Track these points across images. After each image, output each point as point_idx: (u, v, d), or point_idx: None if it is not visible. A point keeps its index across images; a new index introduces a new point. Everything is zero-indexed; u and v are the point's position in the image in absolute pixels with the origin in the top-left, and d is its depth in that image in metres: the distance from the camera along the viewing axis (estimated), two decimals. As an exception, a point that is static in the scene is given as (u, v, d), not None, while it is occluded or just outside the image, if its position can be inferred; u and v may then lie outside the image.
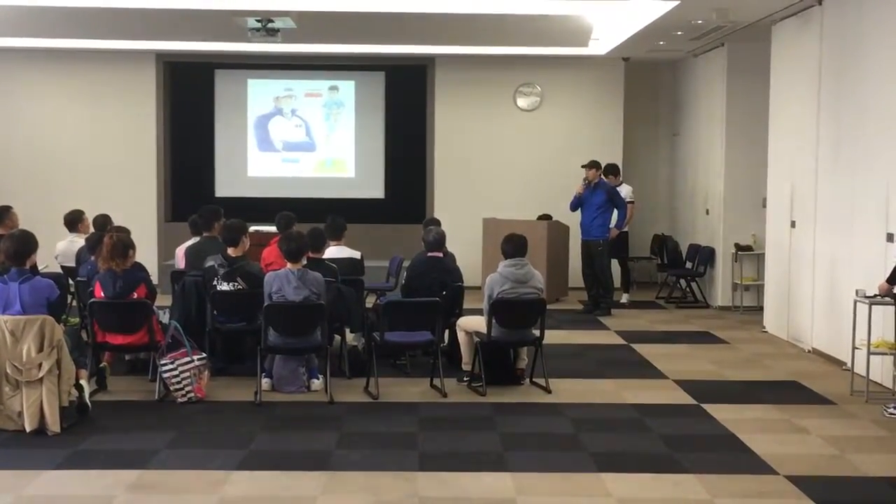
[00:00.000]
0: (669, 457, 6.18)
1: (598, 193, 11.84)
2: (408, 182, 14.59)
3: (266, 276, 7.70)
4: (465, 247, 11.70)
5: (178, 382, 7.35)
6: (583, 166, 11.94)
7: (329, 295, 7.77)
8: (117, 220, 9.47)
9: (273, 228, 9.61)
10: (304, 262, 7.71)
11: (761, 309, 11.29)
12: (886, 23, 8.16)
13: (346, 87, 14.65)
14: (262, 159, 14.66)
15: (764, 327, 10.91)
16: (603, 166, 12.22)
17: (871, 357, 7.61)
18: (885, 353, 7.56)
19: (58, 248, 9.91)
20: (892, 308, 7.15)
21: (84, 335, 7.68)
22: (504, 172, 14.18)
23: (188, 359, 7.41)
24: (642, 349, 9.75)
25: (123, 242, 7.46)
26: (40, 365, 6.48)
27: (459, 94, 14.24)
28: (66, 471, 5.83)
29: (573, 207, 12.08)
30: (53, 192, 13.45)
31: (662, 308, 12.79)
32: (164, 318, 7.98)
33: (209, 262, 8.06)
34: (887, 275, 7.14)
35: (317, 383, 7.79)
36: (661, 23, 10.67)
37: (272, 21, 10.29)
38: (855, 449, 6.37)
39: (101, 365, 7.68)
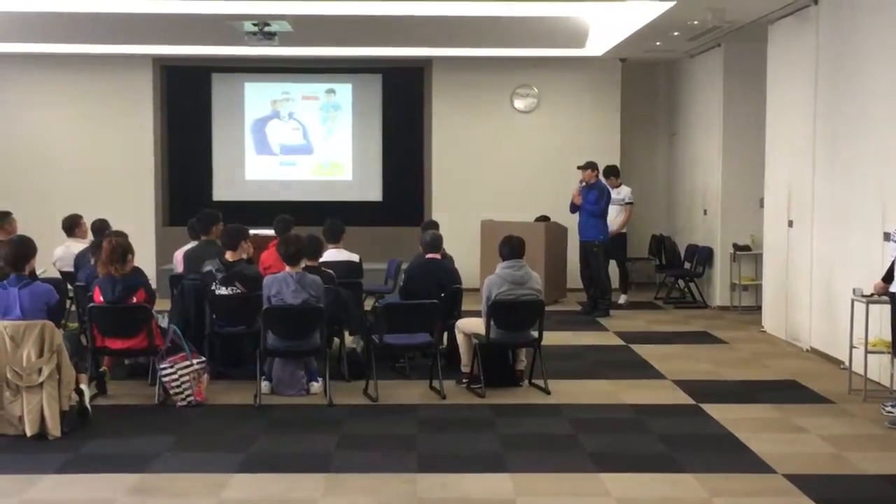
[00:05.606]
0: (668, 456, 6.20)
1: (592, 193, 11.85)
2: (405, 184, 14.61)
3: (265, 279, 7.72)
4: (463, 249, 11.71)
5: (178, 386, 7.36)
6: (579, 167, 11.95)
7: (328, 298, 7.78)
8: (115, 225, 9.50)
9: (271, 232, 9.62)
10: (303, 265, 7.72)
11: (759, 309, 11.31)
12: (882, 21, 8.18)
13: (343, 90, 14.67)
14: (259, 163, 14.67)
15: (762, 327, 10.92)
16: (602, 168, 12.25)
17: (869, 356, 7.63)
18: (883, 352, 7.58)
19: (56, 254, 9.90)
20: (889, 307, 7.15)
21: (83, 340, 7.69)
22: (501, 174, 14.19)
23: (187, 362, 7.42)
24: (641, 350, 9.76)
25: (122, 247, 7.46)
26: (40, 370, 6.49)
27: (456, 96, 14.25)
28: (67, 475, 5.84)
29: (572, 211, 12.11)
30: (51, 196, 13.42)
31: (661, 308, 12.81)
32: (163, 321, 7.99)
33: (207, 267, 8.07)
34: (883, 273, 7.15)
35: (316, 386, 7.81)
36: (658, 23, 10.69)
37: (269, 24, 10.32)
38: (853, 447, 6.39)
39: (101, 369, 7.70)
